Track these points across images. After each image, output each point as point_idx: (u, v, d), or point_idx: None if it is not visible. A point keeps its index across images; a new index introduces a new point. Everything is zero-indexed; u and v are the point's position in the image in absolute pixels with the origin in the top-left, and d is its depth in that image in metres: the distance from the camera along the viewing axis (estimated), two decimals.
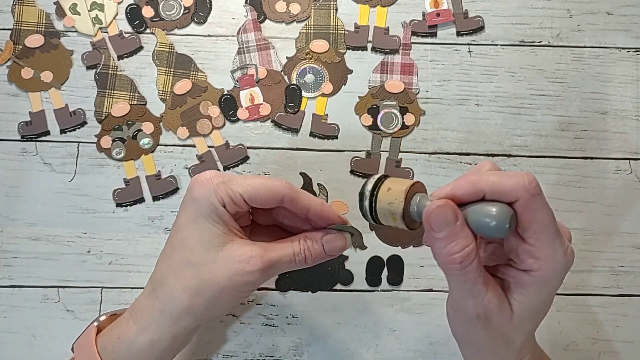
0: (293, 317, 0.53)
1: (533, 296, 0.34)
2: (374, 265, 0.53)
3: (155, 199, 0.53)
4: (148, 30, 0.55)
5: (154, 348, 0.39)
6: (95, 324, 0.42)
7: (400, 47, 0.55)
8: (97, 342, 0.40)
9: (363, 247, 0.53)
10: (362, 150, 0.55)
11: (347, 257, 0.53)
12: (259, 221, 0.44)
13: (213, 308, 0.39)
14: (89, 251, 0.53)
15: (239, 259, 0.38)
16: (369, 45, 0.56)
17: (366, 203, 0.36)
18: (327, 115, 0.55)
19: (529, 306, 0.35)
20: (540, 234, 0.33)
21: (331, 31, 0.55)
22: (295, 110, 0.55)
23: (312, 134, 0.55)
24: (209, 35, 0.55)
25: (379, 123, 0.55)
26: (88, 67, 0.55)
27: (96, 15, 0.55)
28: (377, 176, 0.36)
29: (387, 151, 0.54)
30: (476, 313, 0.35)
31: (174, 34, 0.55)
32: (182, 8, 0.55)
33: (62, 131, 0.54)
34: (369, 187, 0.36)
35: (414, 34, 0.56)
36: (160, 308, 0.39)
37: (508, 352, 0.37)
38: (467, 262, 0.33)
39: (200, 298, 0.38)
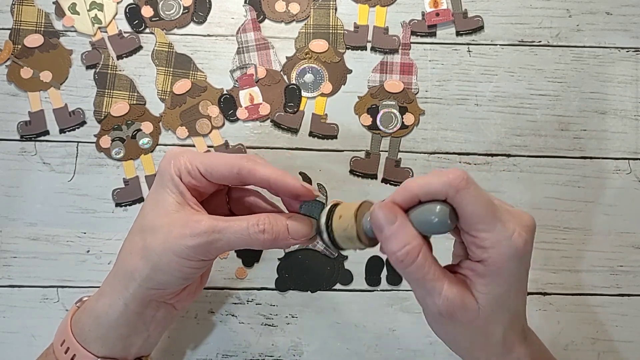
0: (292, 316, 0.53)
1: (495, 285, 0.35)
2: (374, 265, 0.53)
3: None
4: (147, 30, 0.55)
5: (108, 314, 0.40)
6: (77, 304, 0.43)
7: (400, 47, 0.55)
8: (72, 317, 0.42)
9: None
10: (361, 150, 0.55)
11: (347, 256, 0.53)
12: (238, 212, 0.44)
13: (156, 274, 0.38)
14: (88, 251, 0.53)
15: (182, 223, 0.38)
16: (369, 45, 0.56)
17: (325, 236, 0.37)
18: (326, 115, 0.55)
19: (494, 295, 0.35)
20: (477, 224, 0.34)
21: (330, 31, 0.55)
22: (295, 110, 0.55)
23: (311, 134, 0.55)
24: (208, 35, 0.55)
25: (378, 123, 0.55)
26: (87, 67, 0.54)
27: (95, 14, 0.55)
28: (327, 208, 0.38)
29: (386, 151, 0.54)
30: (438, 311, 0.35)
31: (174, 34, 0.55)
32: (182, 8, 0.55)
33: (62, 131, 0.54)
34: (323, 220, 0.37)
35: (413, 33, 0.56)
36: (113, 273, 0.40)
37: (490, 346, 0.36)
38: (409, 260, 0.34)
39: (143, 261, 0.38)
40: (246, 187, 0.43)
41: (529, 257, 0.36)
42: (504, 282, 0.35)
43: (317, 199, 0.40)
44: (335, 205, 0.38)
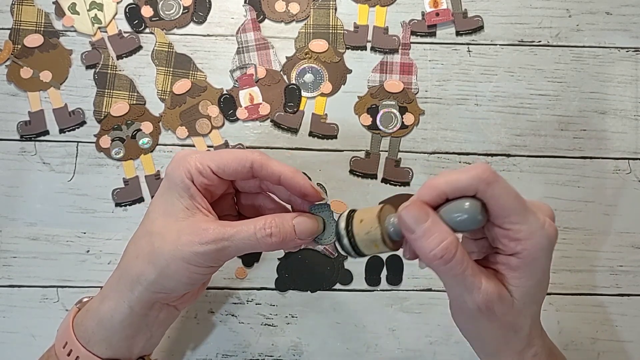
0: (292, 316, 0.53)
1: (528, 277, 0.35)
2: (374, 265, 0.53)
3: None
4: (147, 30, 0.55)
5: (113, 318, 0.39)
6: (77, 305, 0.43)
7: (400, 47, 0.55)
8: (74, 319, 0.41)
9: None
10: (361, 150, 0.55)
11: (347, 256, 0.53)
12: (246, 213, 0.44)
13: (163, 279, 0.38)
14: (88, 251, 0.53)
15: (191, 231, 0.37)
16: (368, 45, 0.56)
17: (345, 241, 0.37)
18: (326, 114, 0.55)
19: (527, 288, 0.35)
20: (510, 216, 0.34)
21: (330, 31, 0.55)
22: (295, 109, 0.55)
23: (311, 134, 0.55)
24: (208, 35, 0.55)
25: (378, 123, 0.55)
26: (87, 67, 0.54)
27: (95, 14, 0.55)
28: (345, 213, 0.37)
29: (386, 151, 0.54)
30: (477, 307, 0.35)
31: (173, 34, 0.55)
32: (182, 8, 0.55)
33: (61, 131, 0.54)
34: (342, 225, 0.37)
35: (413, 33, 0.56)
36: (118, 276, 0.40)
37: (517, 339, 0.37)
38: (450, 255, 0.33)
39: (150, 266, 0.38)
40: (255, 192, 0.43)
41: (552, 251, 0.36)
42: (536, 274, 0.35)
43: (324, 202, 0.40)
44: (353, 211, 0.37)
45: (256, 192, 0.43)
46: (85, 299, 0.43)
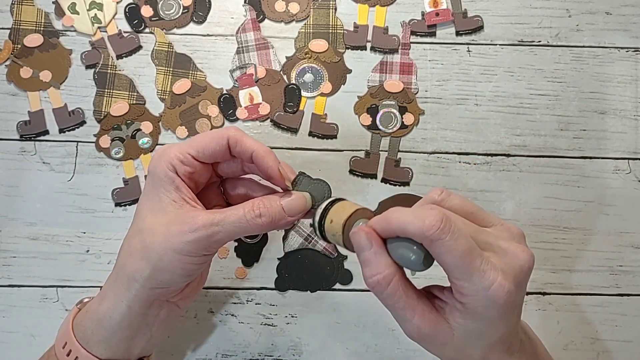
0: (292, 316, 0.53)
1: (471, 322, 0.34)
2: None
3: None
4: (147, 30, 0.55)
5: (112, 318, 0.40)
6: (78, 306, 0.43)
7: (400, 47, 0.55)
8: (74, 319, 0.41)
9: None
10: (361, 150, 0.55)
11: (346, 256, 0.53)
12: (234, 202, 0.44)
13: (158, 273, 0.38)
14: (87, 251, 0.53)
15: (180, 221, 0.38)
16: (368, 45, 0.56)
17: (318, 233, 0.39)
18: (326, 114, 0.55)
19: (470, 329, 0.35)
20: (453, 272, 0.33)
21: (330, 31, 0.55)
22: (295, 109, 0.55)
23: (311, 134, 0.55)
24: (208, 35, 0.55)
25: (378, 122, 0.55)
26: (87, 67, 0.54)
27: (95, 14, 0.55)
28: (323, 205, 0.38)
29: (386, 151, 0.54)
30: (409, 334, 0.35)
31: (173, 34, 0.55)
32: (181, 7, 0.55)
33: (61, 130, 0.54)
34: (317, 218, 0.39)
35: (413, 33, 0.56)
36: (115, 276, 0.40)
37: None
38: (380, 288, 0.34)
39: (144, 262, 0.38)
40: (240, 177, 0.43)
41: (516, 300, 0.34)
42: (482, 322, 0.34)
43: (300, 174, 0.41)
44: (332, 203, 0.38)
45: (241, 177, 0.43)
46: (86, 300, 0.43)
